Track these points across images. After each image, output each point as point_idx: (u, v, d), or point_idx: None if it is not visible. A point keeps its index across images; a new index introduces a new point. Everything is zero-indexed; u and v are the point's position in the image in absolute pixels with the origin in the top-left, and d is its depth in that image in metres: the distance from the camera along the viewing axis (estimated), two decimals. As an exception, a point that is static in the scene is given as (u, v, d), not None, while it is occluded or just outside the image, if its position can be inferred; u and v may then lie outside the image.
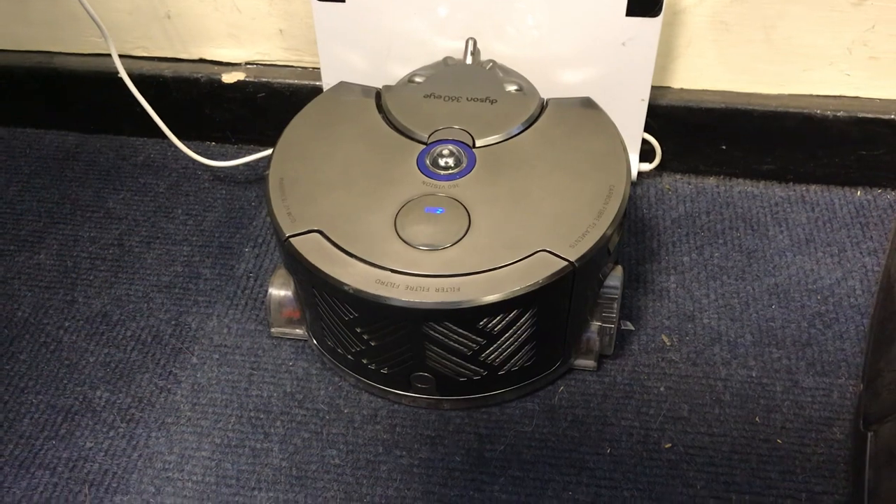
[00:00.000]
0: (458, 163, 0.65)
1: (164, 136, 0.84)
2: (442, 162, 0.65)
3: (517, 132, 0.68)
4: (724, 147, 0.83)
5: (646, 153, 0.83)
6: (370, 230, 0.61)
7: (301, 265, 0.61)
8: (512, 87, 0.71)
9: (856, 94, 0.80)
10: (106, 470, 0.64)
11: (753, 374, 0.69)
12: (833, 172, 0.84)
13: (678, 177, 0.86)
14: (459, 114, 0.69)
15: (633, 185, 0.85)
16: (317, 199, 0.63)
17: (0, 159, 0.90)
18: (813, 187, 0.84)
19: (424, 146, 0.66)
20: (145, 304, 0.75)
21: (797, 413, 0.66)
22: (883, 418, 0.54)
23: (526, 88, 0.71)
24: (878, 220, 0.81)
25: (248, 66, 0.87)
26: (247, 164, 0.86)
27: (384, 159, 0.66)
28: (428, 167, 0.65)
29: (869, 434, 0.56)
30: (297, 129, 0.69)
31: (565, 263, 0.59)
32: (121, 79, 0.82)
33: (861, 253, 0.78)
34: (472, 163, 0.65)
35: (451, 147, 0.66)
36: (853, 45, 0.76)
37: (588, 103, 0.71)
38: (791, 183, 0.85)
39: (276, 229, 0.62)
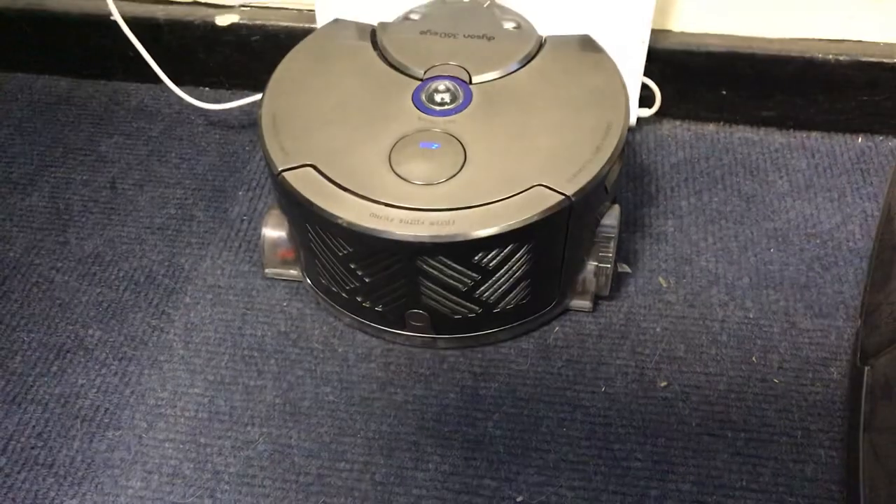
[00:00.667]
0: (454, 98, 0.64)
1: (158, 81, 0.83)
2: (438, 98, 0.64)
3: (514, 69, 0.66)
4: (724, 92, 0.82)
5: (645, 98, 0.82)
6: (364, 165, 0.60)
7: (294, 200, 0.60)
8: (510, 25, 0.70)
9: (859, 38, 0.79)
10: (98, 406, 0.63)
11: (751, 316, 0.68)
12: (834, 119, 0.83)
13: (677, 123, 0.85)
14: (456, 50, 0.67)
15: (632, 130, 0.84)
16: (310, 134, 0.63)
17: (-9, 103, 0.89)
18: (813, 134, 0.83)
19: (420, 82, 0.65)
20: (138, 246, 0.74)
21: (794, 354, 0.66)
22: (880, 352, 0.54)
23: (524, 26, 0.70)
24: (878, 167, 0.80)
25: (243, 8, 0.86)
26: (241, 108, 0.85)
27: (379, 95, 0.65)
28: (423, 103, 0.64)
29: (866, 368, 0.55)
30: (291, 64, 0.68)
31: (562, 198, 0.58)
32: (113, 22, 0.81)
33: (861, 198, 0.77)
34: (468, 99, 0.64)
35: (447, 83, 0.65)
36: (857, -13, 0.75)
37: (586, 41, 0.69)
38: (791, 130, 0.84)
39: (269, 164, 0.62)
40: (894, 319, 0.53)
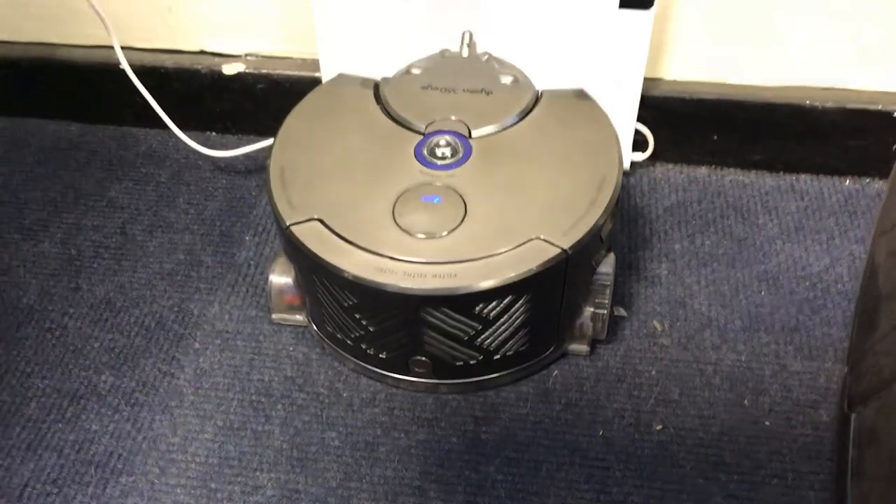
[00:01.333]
0: (454, 153, 0.66)
1: (165, 127, 0.85)
2: (439, 152, 0.66)
3: (512, 123, 0.69)
4: (715, 137, 0.85)
5: (639, 143, 0.84)
6: (369, 218, 0.63)
7: (302, 253, 0.62)
8: (507, 79, 0.72)
9: (844, 86, 0.82)
10: (111, 452, 0.65)
11: (743, 359, 0.70)
12: (822, 162, 0.85)
13: (670, 166, 0.88)
14: (456, 105, 0.70)
15: (627, 174, 0.86)
16: (317, 188, 0.65)
17: (4, 149, 0.92)
18: (802, 176, 0.86)
19: (422, 136, 0.68)
20: (148, 291, 0.77)
21: (785, 396, 0.68)
22: (866, 399, 0.56)
23: (521, 80, 0.73)
24: (865, 209, 0.82)
25: (248, 57, 0.88)
26: (247, 154, 0.88)
27: (382, 149, 0.67)
28: (425, 157, 0.66)
29: (853, 415, 0.58)
30: (298, 119, 0.71)
31: (559, 250, 0.60)
32: (122, 70, 0.83)
33: (849, 241, 0.80)
34: (468, 153, 0.67)
35: (447, 137, 0.67)
36: (844, 36, 0.78)
37: (581, 95, 0.72)
38: (781, 172, 0.87)
39: (277, 218, 0.64)
40: (879, 368, 0.56)
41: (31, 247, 0.81)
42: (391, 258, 0.60)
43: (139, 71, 0.84)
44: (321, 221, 0.63)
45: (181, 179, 0.88)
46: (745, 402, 0.68)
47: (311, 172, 0.66)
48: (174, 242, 0.81)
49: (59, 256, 0.80)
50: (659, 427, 0.66)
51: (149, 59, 0.89)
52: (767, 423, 0.66)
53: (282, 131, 0.70)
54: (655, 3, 0.73)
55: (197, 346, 0.72)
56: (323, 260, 0.61)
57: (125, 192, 0.86)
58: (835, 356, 0.70)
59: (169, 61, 0.89)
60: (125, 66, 0.83)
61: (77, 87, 0.92)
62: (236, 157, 0.89)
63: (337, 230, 0.62)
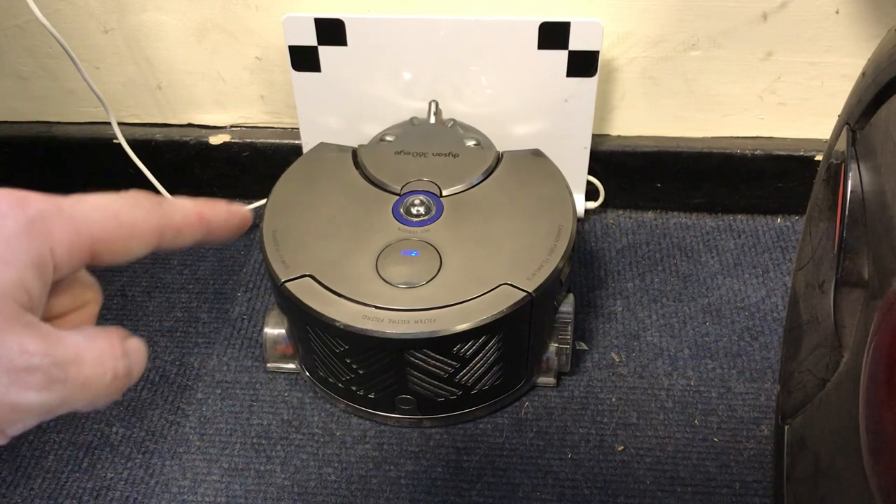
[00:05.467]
0: (428, 210, 0.75)
1: (157, 193, 0.92)
2: (414, 210, 0.75)
3: (478, 182, 0.78)
4: (659, 185, 0.95)
5: (591, 193, 0.94)
6: (355, 272, 0.70)
7: (296, 306, 0.70)
8: (471, 142, 0.81)
9: (769, 135, 0.92)
10: (127, 497, 0.71)
11: (692, 383, 0.79)
12: (755, 203, 0.95)
13: (620, 212, 0.97)
14: (427, 167, 0.79)
15: (581, 221, 0.95)
16: (306, 247, 0.73)
17: (4, 221, 0.98)
18: (739, 217, 0.96)
19: (398, 197, 0.76)
20: (151, 348, 0.83)
21: (730, 415, 0.77)
22: (795, 412, 0.65)
23: (483, 143, 0.82)
24: (795, 244, 0.92)
25: (233, 128, 0.96)
26: (234, 217, 0.95)
27: (363, 210, 0.76)
28: (402, 215, 0.75)
29: (785, 427, 0.66)
30: (285, 185, 0.79)
31: (524, 294, 0.69)
32: (114, 143, 0.91)
33: (782, 273, 0.89)
34: (440, 210, 0.75)
35: (421, 197, 0.75)
36: (764, 94, 0.88)
37: (537, 154, 0.81)
38: (720, 213, 0.96)
39: (272, 276, 0.71)
40: (804, 385, 0.64)
41: (37, 311, 0.87)
42: (377, 307, 0.68)
43: (131, 144, 0.92)
44: (312, 277, 0.70)
45: (174, 242, 0.94)
46: (696, 421, 0.76)
47: (300, 233, 0.74)
48: (171, 301, 0.88)
49: (64, 319, 0.86)
50: (620, 448, 0.74)
51: (140, 133, 0.96)
52: (716, 439, 0.75)
53: (271, 197, 0.77)
54: (598, 71, 0.82)
55: (199, 396, 0.79)
56: (316, 312, 0.68)
57: (122, 257, 0.93)
58: (773, 377, 0.79)
59: (159, 134, 0.96)
60: (121, 139, 0.90)
61: (72, 161, 0.99)
62: (224, 220, 0.96)
63: (327, 284, 0.70)
